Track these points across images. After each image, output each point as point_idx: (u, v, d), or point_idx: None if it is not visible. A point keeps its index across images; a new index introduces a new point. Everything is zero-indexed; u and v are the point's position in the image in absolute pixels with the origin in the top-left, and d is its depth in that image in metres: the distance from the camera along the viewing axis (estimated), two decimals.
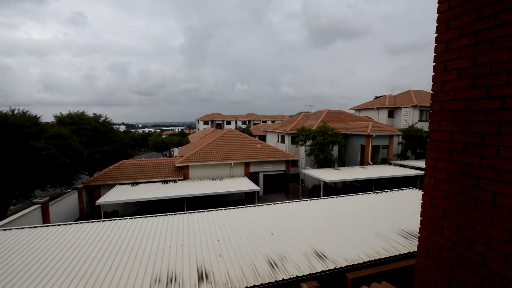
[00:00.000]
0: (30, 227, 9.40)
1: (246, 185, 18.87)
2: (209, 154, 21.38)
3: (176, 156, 30.09)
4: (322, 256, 7.38)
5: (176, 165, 20.10)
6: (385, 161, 26.82)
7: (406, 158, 27.20)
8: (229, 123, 71.52)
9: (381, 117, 33.88)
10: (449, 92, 2.28)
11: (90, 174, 25.04)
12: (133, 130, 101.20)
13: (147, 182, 18.96)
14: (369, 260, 7.28)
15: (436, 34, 2.41)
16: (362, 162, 25.56)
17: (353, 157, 26.42)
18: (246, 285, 6.05)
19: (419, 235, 2.65)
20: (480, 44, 2.07)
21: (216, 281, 6.17)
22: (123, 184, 18.48)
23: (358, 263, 7.13)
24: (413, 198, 13.23)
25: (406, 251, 7.77)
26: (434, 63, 2.44)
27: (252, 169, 22.27)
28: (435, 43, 2.43)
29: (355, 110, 39.10)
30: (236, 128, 60.39)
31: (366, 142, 24.70)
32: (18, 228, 9.34)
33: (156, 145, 55.40)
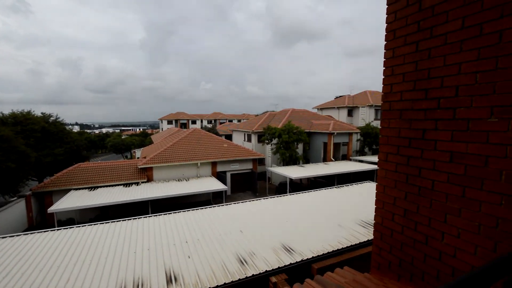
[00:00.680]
0: None
1: (213, 185, 18.72)
2: (174, 155, 20.77)
3: (138, 158, 28.67)
4: (290, 250, 7.68)
5: (139, 166, 19.19)
6: (345, 157, 28.51)
7: (364, 154, 29.22)
8: (194, 122, 69.96)
9: (341, 115, 35.90)
10: (397, 94, 2.59)
11: (40, 179, 22.73)
12: (88, 131, 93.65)
13: (106, 186, 17.81)
14: (333, 250, 7.76)
15: (385, 42, 2.71)
16: (325, 159, 26.87)
17: (317, 154, 27.64)
18: (216, 284, 6.07)
19: (374, 221, 2.95)
20: (420, 52, 2.38)
21: (186, 282, 6.10)
22: (79, 189, 17.14)
23: (323, 254, 7.57)
24: (370, 190, 14.31)
25: (365, 239, 8.43)
26: (384, 68, 2.74)
27: (219, 168, 22.14)
28: (385, 49, 2.72)
29: (318, 109, 40.87)
30: (201, 127, 59.32)
31: (328, 140, 26.01)
32: None
33: (116, 146, 52.04)
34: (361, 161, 26.09)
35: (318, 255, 7.45)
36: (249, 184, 23.66)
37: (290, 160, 24.46)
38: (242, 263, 6.94)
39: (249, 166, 23.50)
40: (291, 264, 7.04)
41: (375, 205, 2.90)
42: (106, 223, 9.67)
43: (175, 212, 10.74)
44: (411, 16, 2.44)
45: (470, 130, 2.05)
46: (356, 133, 28.21)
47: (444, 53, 2.20)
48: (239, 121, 70.55)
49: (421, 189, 2.40)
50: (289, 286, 5.81)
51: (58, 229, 9.18)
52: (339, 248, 7.90)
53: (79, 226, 9.40)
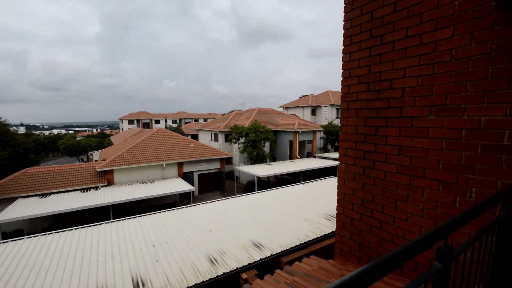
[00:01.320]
0: None
1: (180, 186, 18.26)
2: (137, 156, 19.81)
3: (96, 160, 26.78)
4: (260, 246, 7.85)
5: (98, 170, 17.97)
6: (310, 155, 29.69)
7: (327, 151, 30.72)
8: (158, 122, 67.15)
9: (306, 114, 37.28)
10: (353, 94, 2.84)
11: None
12: (37, 132, 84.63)
13: (60, 192, 16.38)
14: (300, 243, 8.11)
15: (343, 47, 2.95)
16: (291, 156, 27.71)
17: (283, 152, 28.38)
18: (187, 285, 6.00)
19: (336, 212, 3.20)
20: (372, 57, 2.65)
21: (154, 287, 5.93)
22: (28, 196, 15.52)
23: (291, 247, 7.87)
24: (333, 185, 15.14)
25: (330, 231, 8.93)
26: (342, 70, 2.99)
27: (186, 169, 21.65)
28: (343, 53, 2.97)
29: (283, 108, 41.92)
30: (166, 127, 57.19)
31: (294, 138, 26.86)
32: None
33: (70, 148, 47.84)
34: (325, 158, 27.40)
35: (286, 249, 7.73)
36: (217, 183, 23.49)
37: (257, 158, 24.79)
38: (213, 262, 6.94)
39: (216, 165, 23.33)
40: (261, 259, 7.21)
41: (337, 196, 3.15)
42: (62, 231, 8.94)
43: (140, 216, 10.30)
44: (364, 24, 2.70)
45: (414, 126, 2.35)
46: (320, 131, 29.54)
47: (392, 58, 2.48)
48: (205, 120, 69.38)
49: (376, 180, 2.69)
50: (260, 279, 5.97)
51: (4, 242, 8.27)
52: (306, 241, 8.27)
53: (30, 237, 8.56)
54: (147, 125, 64.14)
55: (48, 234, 8.80)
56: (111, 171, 18.45)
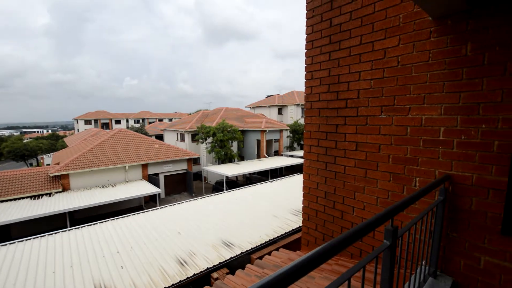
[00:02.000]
0: None
1: (144, 188, 17.52)
2: (96, 158, 18.55)
3: (49, 164, 24.49)
4: (230, 245, 7.91)
5: (51, 174, 16.48)
6: (277, 153, 30.38)
7: (293, 149, 31.67)
8: (118, 122, 63.24)
9: (272, 114, 38.01)
10: (316, 95, 3.06)
11: None
12: None
13: (6, 201, 14.74)
14: (269, 240, 8.33)
15: (306, 50, 3.15)
16: (259, 155, 28.09)
17: (251, 151, 28.65)
18: None
19: (302, 205, 3.40)
20: (332, 60, 2.88)
21: None
22: None
23: (261, 244, 8.05)
24: (299, 181, 15.71)
25: (297, 226, 9.30)
26: (305, 72, 3.18)
27: (151, 170, 20.81)
28: (305, 57, 3.17)
29: (250, 107, 42.24)
30: (128, 127, 54.19)
31: (261, 137, 27.26)
32: None
33: (16, 152, 42.91)
34: (291, 156, 28.24)
35: (256, 246, 7.89)
36: (185, 185, 22.95)
37: (225, 158, 24.71)
38: (182, 264, 6.84)
39: (183, 166, 22.78)
40: (231, 258, 7.28)
41: (303, 191, 3.36)
42: (10, 243, 8.10)
43: (102, 222, 9.72)
44: (324, 30, 2.92)
45: (368, 124, 2.62)
46: (286, 130, 30.35)
47: (349, 62, 2.73)
48: (170, 120, 67.07)
49: (337, 174, 2.92)
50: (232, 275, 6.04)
51: None
52: (275, 236, 8.52)
53: None
54: (106, 126, 60.06)
55: None
56: (67, 176, 17.05)
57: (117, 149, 20.25)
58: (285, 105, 37.45)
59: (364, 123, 2.64)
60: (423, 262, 2.14)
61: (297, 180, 16.33)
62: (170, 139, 32.09)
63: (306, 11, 3.11)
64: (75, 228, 9.16)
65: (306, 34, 3.13)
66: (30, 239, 8.41)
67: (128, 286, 5.95)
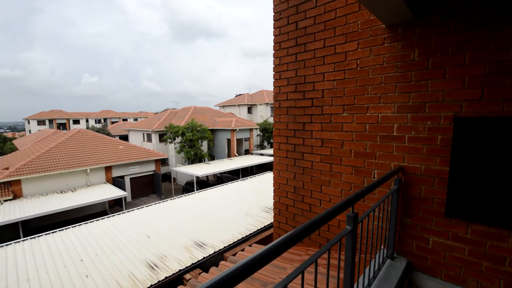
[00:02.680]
0: None
1: (108, 192, 16.58)
2: (53, 162, 17.11)
3: None
4: (202, 245, 7.85)
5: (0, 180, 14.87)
6: (248, 152, 30.55)
7: (263, 147, 32.09)
8: (77, 122, 58.65)
9: (242, 112, 38.09)
10: (284, 94, 3.19)
11: None
12: None
13: None
14: (242, 237, 8.41)
15: (274, 51, 3.27)
16: (230, 154, 28.02)
17: (221, 150, 28.47)
18: None
19: (273, 201, 3.53)
20: (298, 62, 3.03)
21: None
22: None
23: (234, 242, 8.10)
24: (270, 179, 16.00)
25: (269, 222, 9.50)
26: (274, 72, 3.30)
27: (116, 173, 19.73)
28: (273, 57, 3.29)
29: (220, 106, 41.90)
30: (88, 128, 50.57)
31: (231, 136, 27.21)
32: None
33: None
34: (262, 154, 28.59)
35: (229, 244, 7.93)
36: (153, 186, 22.13)
37: (195, 158, 24.26)
38: (153, 268, 6.65)
39: (151, 167, 21.93)
40: (204, 258, 7.23)
41: (273, 186, 3.48)
42: None
43: (61, 230, 9.04)
44: (290, 33, 3.06)
45: (332, 122, 2.81)
46: (256, 128, 30.63)
47: (314, 64, 2.89)
48: (135, 120, 63.89)
49: (305, 169, 3.09)
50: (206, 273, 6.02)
51: None
52: (247, 234, 8.62)
53: None
54: (63, 126, 55.39)
55: None
56: (18, 181, 15.51)
57: (76, 151, 18.87)
58: (255, 104, 37.76)
59: (329, 121, 2.83)
60: (382, 247, 2.37)
61: (268, 177, 16.61)
62: (136, 139, 30.66)
63: (273, 13, 3.23)
64: (31, 238, 8.43)
65: (273, 35, 3.25)
66: None
67: None
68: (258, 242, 7.80)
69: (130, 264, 6.82)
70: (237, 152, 28.12)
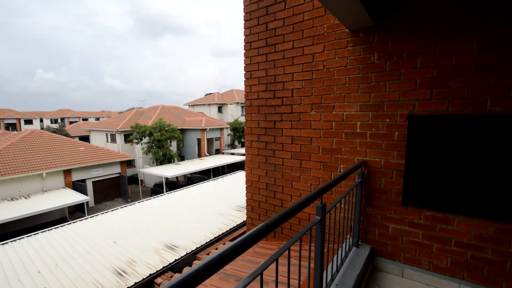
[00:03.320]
0: None
1: (68, 197, 15.42)
2: (1, 166, 15.46)
3: None
4: (174, 247, 7.67)
5: None
6: (218, 151, 30.29)
7: (234, 147, 32.04)
8: (29, 122, 53.37)
9: (212, 112, 37.64)
10: (255, 93, 3.26)
11: None
12: None
13: None
14: (215, 237, 8.36)
15: (244, 51, 3.32)
16: (200, 154, 27.55)
17: (192, 150, 27.90)
18: None
19: (246, 198, 3.59)
20: (268, 62, 3.11)
21: None
22: None
23: (206, 242, 8.03)
24: (242, 178, 16.07)
25: (241, 221, 9.55)
26: (245, 72, 3.36)
27: (76, 176, 18.40)
28: (244, 57, 3.34)
29: (189, 105, 40.97)
30: (42, 128, 46.32)
31: (201, 136, 26.77)
32: None
33: None
34: (233, 154, 28.53)
35: (201, 245, 7.84)
36: (119, 190, 21.00)
37: (164, 159, 23.48)
38: (121, 274, 6.35)
39: (116, 170, 20.79)
40: (176, 260, 7.07)
41: (246, 184, 3.54)
42: None
43: (14, 240, 8.25)
44: (261, 33, 3.14)
45: (301, 120, 2.94)
46: (227, 128, 30.48)
47: (284, 64, 3.00)
48: (97, 119, 59.91)
49: (276, 166, 3.19)
50: (179, 273, 5.90)
51: None
52: (220, 234, 8.59)
53: None
54: (12, 127, 50.09)
55: None
56: None
57: (29, 154, 17.24)
58: (225, 103, 37.52)
59: (298, 119, 2.95)
60: (348, 236, 2.54)
61: (239, 176, 16.66)
62: (99, 140, 28.83)
63: (244, 14, 3.28)
64: None
65: (244, 35, 3.30)
66: None
67: None
68: (232, 241, 7.83)
69: (95, 272, 6.45)
70: (208, 152, 27.76)
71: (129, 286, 6.00)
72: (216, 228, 8.92)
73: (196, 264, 3.26)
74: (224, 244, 3.84)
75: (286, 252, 1.28)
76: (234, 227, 9.12)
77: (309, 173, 2.96)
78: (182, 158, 27.64)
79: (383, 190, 2.53)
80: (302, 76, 2.88)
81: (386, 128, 2.45)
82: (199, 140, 27.48)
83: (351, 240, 2.57)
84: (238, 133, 30.83)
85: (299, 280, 1.48)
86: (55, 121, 56.93)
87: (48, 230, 9.07)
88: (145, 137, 22.89)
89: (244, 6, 3.26)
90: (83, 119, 60.04)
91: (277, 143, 3.14)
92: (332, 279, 1.98)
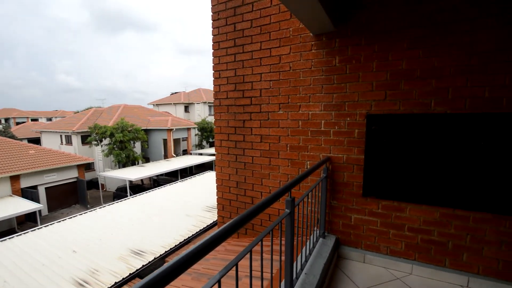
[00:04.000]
0: None
1: (16, 206, 13.93)
2: None
3: None
4: (140, 253, 7.36)
5: None
6: (186, 152, 29.55)
7: (202, 147, 31.49)
8: None
9: (178, 111, 36.57)
10: (224, 93, 3.29)
11: None
12: None
13: None
14: (184, 239, 8.19)
15: (213, 50, 3.33)
16: (166, 155, 26.63)
17: (157, 152, 26.84)
18: None
19: (217, 197, 3.61)
20: (237, 62, 3.17)
21: None
22: None
23: (175, 246, 7.83)
24: (211, 178, 15.89)
25: (212, 222, 9.48)
26: (213, 71, 3.37)
27: (26, 183, 16.66)
28: (212, 56, 3.35)
29: (154, 105, 39.34)
30: None
31: (167, 136, 25.89)
32: None
33: None
34: (201, 154, 28.03)
35: (170, 248, 7.63)
36: (76, 196, 19.47)
37: (127, 161, 22.27)
38: (82, 285, 5.95)
39: (73, 174, 19.24)
40: (143, 266, 6.80)
41: (216, 183, 3.56)
42: None
43: None
44: (229, 33, 3.17)
45: (270, 119, 3.04)
46: (194, 128, 29.85)
47: (252, 65, 3.08)
48: (49, 119, 54.70)
49: (246, 164, 3.26)
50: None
51: None
52: (189, 236, 8.44)
53: None
54: None
55: None
56: None
57: None
58: (192, 103, 36.70)
59: (266, 118, 3.05)
60: (315, 228, 2.70)
61: (208, 177, 16.46)
62: (52, 142, 26.41)
63: (211, 13, 3.29)
64: None
65: (212, 35, 3.31)
66: None
67: None
68: None
69: (52, 285, 5.96)
70: (175, 153, 26.95)
71: None
72: (186, 230, 8.75)
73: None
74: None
75: (259, 248, 1.34)
76: (204, 228, 9.01)
77: (278, 170, 3.07)
78: (147, 159, 26.46)
79: (346, 184, 2.72)
80: (270, 76, 2.98)
81: (348, 126, 2.64)
82: (165, 141, 26.54)
83: (318, 231, 2.73)
84: (206, 133, 30.36)
85: (271, 273, 1.56)
86: None
87: None
88: (105, 138, 21.51)
89: (212, 5, 3.27)
90: (32, 120, 54.40)
91: (246, 142, 3.21)
92: (302, 269, 2.10)
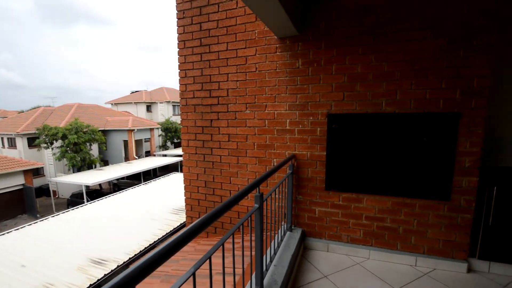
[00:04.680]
0: None
1: None
2: None
3: None
4: (102, 261, 6.93)
5: None
6: (149, 153, 28.27)
7: (167, 148, 30.38)
8: None
9: (140, 111, 34.80)
10: (190, 92, 3.28)
11: None
12: None
13: None
14: (150, 244, 7.89)
15: (178, 49, 3.29)
16: (127, 158, 25.21)
17: (117, 154, 25.28)
18: None
19: (185, 197, 3.57)
20: (203, 61, 3.17)
21: None
22: None
23: (140, 251, 7.51)
24: (177, 180, 15.45)
25: (179, 224, 9.25)
26: (179, 70, 3.33)
27: None
28: (178, 55, 3.31)
29: (112, 104, 36.92)
30: None
31: (128, 137, 24.53)
32: None
33: None
34: (165, 155, 27.04)
35: (135, 254, 7.29)
36: (23, 205, 17.54)
37: (83, 164, 20.63)
38: None
39: (18, 181, 17.29)
40: (105, 275, 6.42)
41: (184, 183, 3.53)
42: None
43: None
44: (195, 33, 3.17)
45: (237, 118, 3.10)
46: (158, 128, 28.67)
47: (219, 65, 3.11)
48: None
49: (214, 164, 3.28)
50: None
51: None
52: (155, 240, 8.14)
53: None
54: None
55: None
56: None
57: None
58: (155, 102, 35.18)
59: (234, 117, 3.11)
60: (283, 222, 2.83)
61: (174, 178, 15.99)
62: None
63: (176, 11, 3.24)
64: None
65: (177, 33, 3.27)
66: None
67: None
68: None
69: None
70: (137, 155, 25.64)
71: None
72: (151, 235, 8.43)
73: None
74: None
75: (230, 246, 1.40)
76: (171, 231, 8.78)
77: (246, 168, 3.15)
78: (106, 162, 24.78)
79: (310, 179, 2.89)
80: (236, 77, 3.04)
81: (311, 125, 2.81)
82: (125, 142, 25.10)
83: (285, 225, 2.87)
84: (170, 133, 29.33)
85: (243, 267, 1.63)
86: None
87: None
88: (56, 140, 19.67)
89: (177, 4, 3.23)
90: None
91: (214, 141, 3.23)
92: (271, 261, 2.20)
